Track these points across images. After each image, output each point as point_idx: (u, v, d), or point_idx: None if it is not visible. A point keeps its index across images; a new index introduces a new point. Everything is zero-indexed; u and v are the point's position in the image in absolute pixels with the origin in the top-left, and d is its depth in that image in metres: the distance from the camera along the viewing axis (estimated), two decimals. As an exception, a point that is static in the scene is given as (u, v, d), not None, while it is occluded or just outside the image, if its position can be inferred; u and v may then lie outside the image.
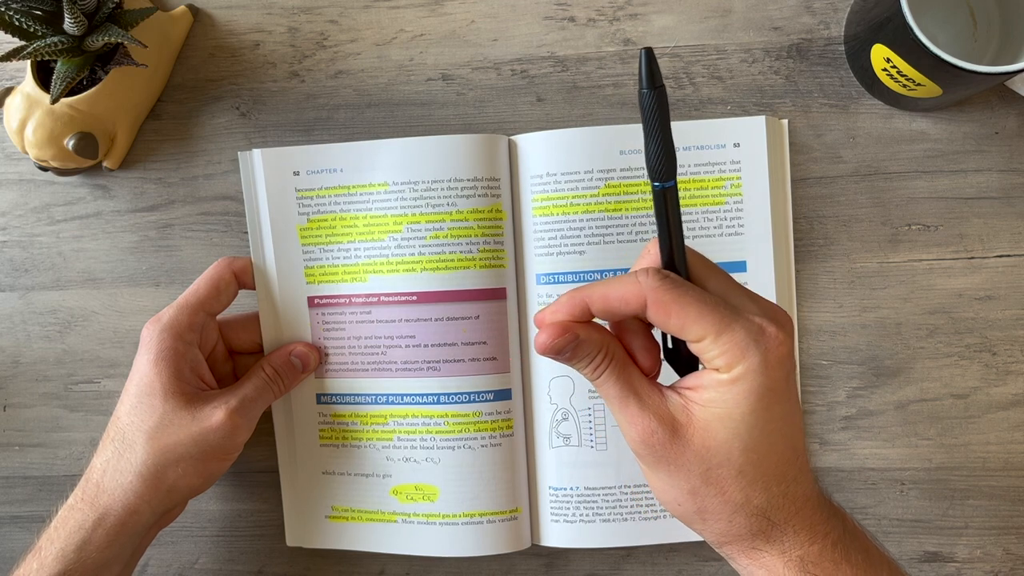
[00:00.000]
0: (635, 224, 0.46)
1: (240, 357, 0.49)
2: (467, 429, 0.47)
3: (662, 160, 0.32)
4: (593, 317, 0.34)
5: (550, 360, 0.46)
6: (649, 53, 0.31)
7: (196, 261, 0.51)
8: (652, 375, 0.35)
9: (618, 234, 0.46)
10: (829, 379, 0.48)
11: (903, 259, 0.47)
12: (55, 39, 0.42)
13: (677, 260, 0.34)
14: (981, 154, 0.47)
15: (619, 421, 0.34)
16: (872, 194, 0.47)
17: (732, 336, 0.31)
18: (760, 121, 0.46)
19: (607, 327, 0.35)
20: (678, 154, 0.44)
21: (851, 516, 0.35)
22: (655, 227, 0.46)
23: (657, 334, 0.36)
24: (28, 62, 0.47)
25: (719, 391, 0.32)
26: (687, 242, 0.47)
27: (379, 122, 0.49)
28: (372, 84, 0.49)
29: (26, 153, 0.48)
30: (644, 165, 0.33)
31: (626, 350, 0.35)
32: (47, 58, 0.44)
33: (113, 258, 0.51)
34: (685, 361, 0.35)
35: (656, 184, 0.33)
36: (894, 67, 0.42)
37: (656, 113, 0.31)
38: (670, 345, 0.35)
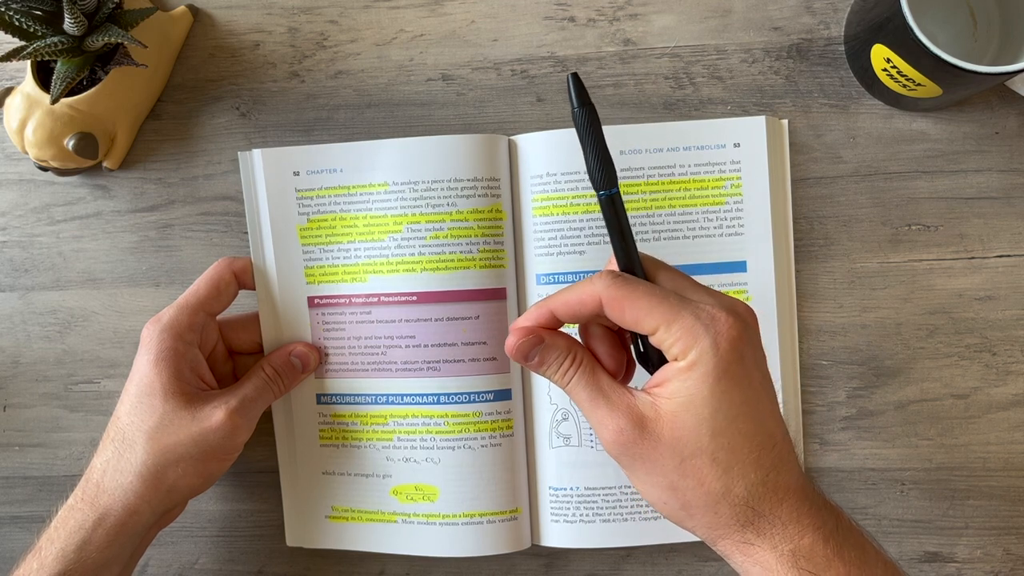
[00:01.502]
0: (635, 224, 0.46)
1: (240, 357, 0.49)
2: (467, 429, 0.47)
3: (601, 170, 0.34)
4: (561, 324, 0.36)
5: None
6: (575, 77, 0.34)
7: (196, 261, 0.51)
8: (619, 378, 0.37)
9: (618, 234, 0.46)
10: (829, 379, 0.48)
11: (903, 259, 0.47)
12: (55, 39, 0.42)
13: (632, 262, 0.35)
14: (981, 154, 0.47)
15: (592, 425, 0.35)
16: (872, 194, 0.47)
17: (682, 323, 0.32)
18: (760, 121, 0.46)
19: (576, 337, 0.37)
20: (678, 154, 0.45)
21: (847, 514, 0.35)
22: (654, 227, 0.46)
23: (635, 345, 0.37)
24: (28, 62, 0.47)
25: (680, 380, 0.33)
26: (688, 242, 0.47)
27: (379, 122, 0.49)
28: (372, 84, 0.49)
29: (26, 153, 0.48)
30: (604, 172, 0.35)
31: (594, 356, 0.36)
32: (47, 58, 0.44)
33: (113, 258, 0.51)
34: (655, 361, 0.36)
35: (601, 193, 0.35)
36: (894, 67, 0.42)
37: (588, 128, 0.34)
38: (641, 349, 0.36)
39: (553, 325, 0.36)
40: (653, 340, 0.34)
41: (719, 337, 0.32)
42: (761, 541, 0.33)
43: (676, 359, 0.33)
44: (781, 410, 0.35)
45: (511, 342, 0.36)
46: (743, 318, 0.34)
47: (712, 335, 0.32)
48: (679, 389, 0.33)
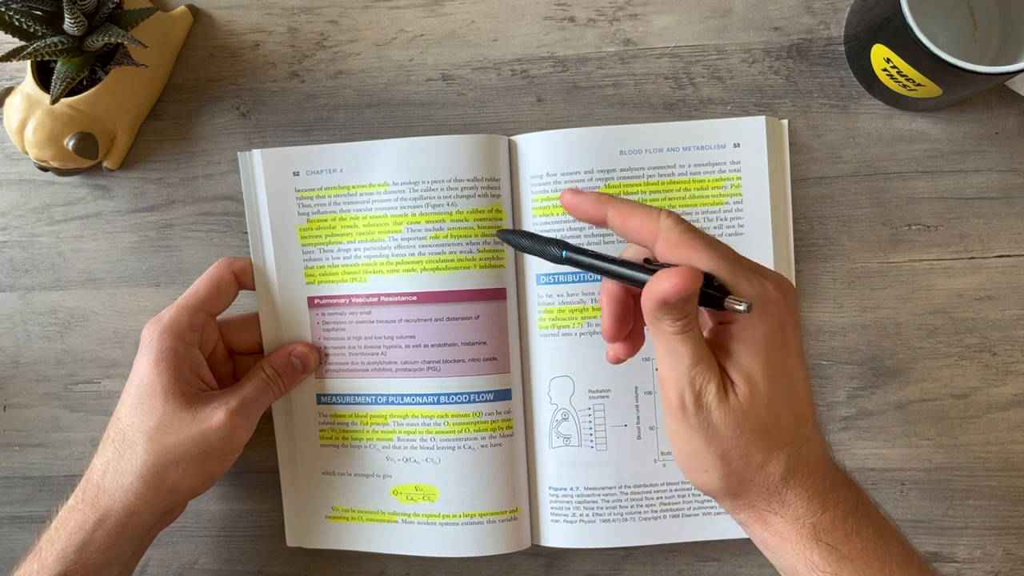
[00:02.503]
0: (635, 224, 0.46)
1: (240, 358, 0.49)
2: (467, 429, 0.47)
3: (546, 251, 0.37)
4: (603, 222, 0.35)
5: (550, 360, 0.47)
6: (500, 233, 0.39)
7: (196, 261, 0.50)
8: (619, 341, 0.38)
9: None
10: (829, 379, 0.48)
11: (903, 259, 0.47)
12: (55, 39, 0.42)
13: (637, 280, 0.34)
14: (981, 154, 0.47)
15: (676, 378, 0.33)
16: (872, 194, 0.47)
17: (738, 283, 0.32)
18: (760, 121, 0.46)
19: None
20: (678, 154, 0.46)
21: (866, 491, 0.35)
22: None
23: None
24: (28, 62, 0.47)
25: (740, 346, 0.33)
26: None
27: (379, 122, 0.49)
28: (372, 84, 0.49)
29: (26, 153, 0.48)
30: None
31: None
32: (47, 58, 0.44)
33: (113, 258, 0.51)
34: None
35: (564, 255, 0.36)
36: (894, 67, 0.42)
37: (519, 242, 0.38)
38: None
39: (598, 220, 0.35)
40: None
41: (769, 307, 0.33)
42: (784, 512, 0.34)
43: (727, 318, 0.33)
44: None
45: (681, 282, 0.31)
46: (788, 292, 0.34)
47: (761, 302, 0.32)
48: (742, 357, 0.33)
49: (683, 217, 0.34)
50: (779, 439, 0.33)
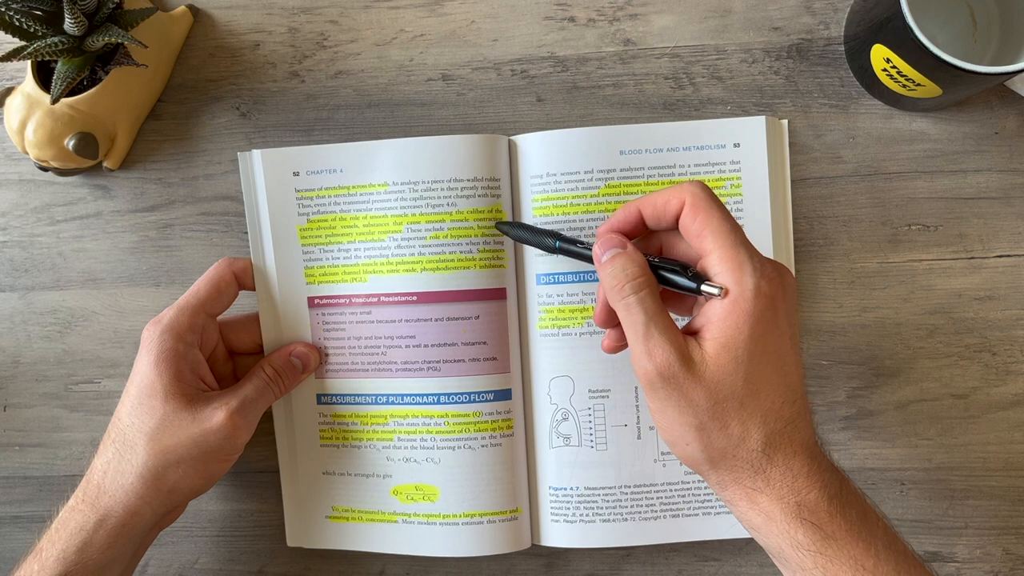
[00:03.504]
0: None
1: (240, 358, 0.49)
2: (467, 429, 0.47)
3: (540, 241, 0.43)
4: (645, 229, 0.38)
5: (550, 360, 0.47)
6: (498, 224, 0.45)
7: (196, 261, 0.51)
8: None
9: (618, 234, 0.46)
10: (829, 379, 0.48)
11: (903, 259, 0.47)
12: (55, 39, 0.42)
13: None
14: (981, 154, 0.47)
15: (637, 352, 0.35)
16: (872, 194, 0.47)
17: (739, 255, 0.34)
18: (760, 121, 0.46)
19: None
20: (678, 154, 0.47)
21: (850, 479, 0.36)
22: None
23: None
24: (28, 62, 0.47)
25: (722, 319, 0.34)
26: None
27: (379, 122, 0.49)
28: (372, 84, 0.49)
29: (26, 153, 0.48)
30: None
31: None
32: (47, 58, 0.44)
33: (113, 258, 0.51)
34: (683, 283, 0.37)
35: (557, 246, 0.42)
36: (894, 67, 0.42)
37: (515, 232, 0.44)
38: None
39: (638, 224, 0.38)
40: (704, 262, 0.35)
41: (763, 281, 0.34)
42: (769, 490, 0.34)
43: (715, 293, 0.34)
44: None
45: (600, 235, 0.38)
46: (786, 277, 0.35)
47: (757, 278, 0.34)
48: (720, 329, 0.34)
49: (705, 185, 0.36)
50: (760, 414, 0.34)
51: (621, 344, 0.40)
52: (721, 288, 0.34)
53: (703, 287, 0.35)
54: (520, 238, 0.43)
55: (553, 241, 0.42)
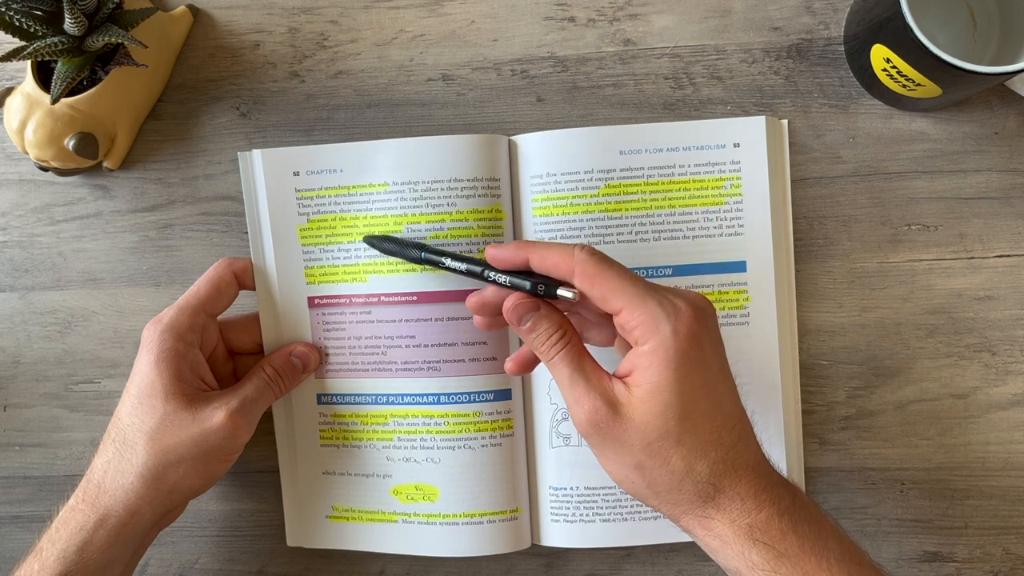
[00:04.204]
0: (635, 224, 0.46)
1: (240, 358, 0.49)
2: (467, 429, 0.47)
3: (405, 255, 0.44)
4: (528, 268, 0.39)
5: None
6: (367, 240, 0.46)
7: (196, 261, 0.51)
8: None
9: (618, 234, 0.46)
10: (829, 379, 0.48)
11: (903, 259, 0.47)
12: (55, 39, 0.42)
13: (518, 285, 0.39)
14: (981, 154, 0.47)
15: (568, 401, 0.37)
16: (872, 194, 0.47)
17: (646, 308, 0.35)
18: (760, 121, 0.46)
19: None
20: (678, 154, 0.48)
21: (802, 491, 0.37)
22: (654, 227, 0.46)
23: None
24: (28, 62, 0.47)
25: (645, 367, 0.35)
26: (688, 242, 0.47)
27: (379, 122, 0.49)
28: (372, 84, 0.49)
29: (26, 153, 0.48)
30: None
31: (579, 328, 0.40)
32: (47, 58, 0.44)
33: (113, 258, 0.51)
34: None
35: (422, 257, 0.43)
36: (894, 67, 0.42)
37: (383, 247, 0.45)
38: (539, 292, 0.38)
39: (523, 266, 0.39)
40: (617, 320, 0.36)
41: (679, 324, 0.35)
42: (720, 515, 0.35)
43: (637, 343, 0.35)
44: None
45: (509, 303, 0.38)
46: (702, 309, 0.36)
47: (672, 323, 0.34)
48: (645, 375, 0.35)
49: (594, 249, 0.37)
50: (700, 446, 0.35)
51: (526, 366, 0.43)
52: (574, 291, 0.36)
53: (559, 291, 0.37)
54: (386, 250, 0.45)
55: (418, 252, 0.43)
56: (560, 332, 0.37)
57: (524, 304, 0.38)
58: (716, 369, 0.36)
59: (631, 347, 0.36)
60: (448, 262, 0.41)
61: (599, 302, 0.36)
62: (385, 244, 0.45)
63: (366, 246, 0.46)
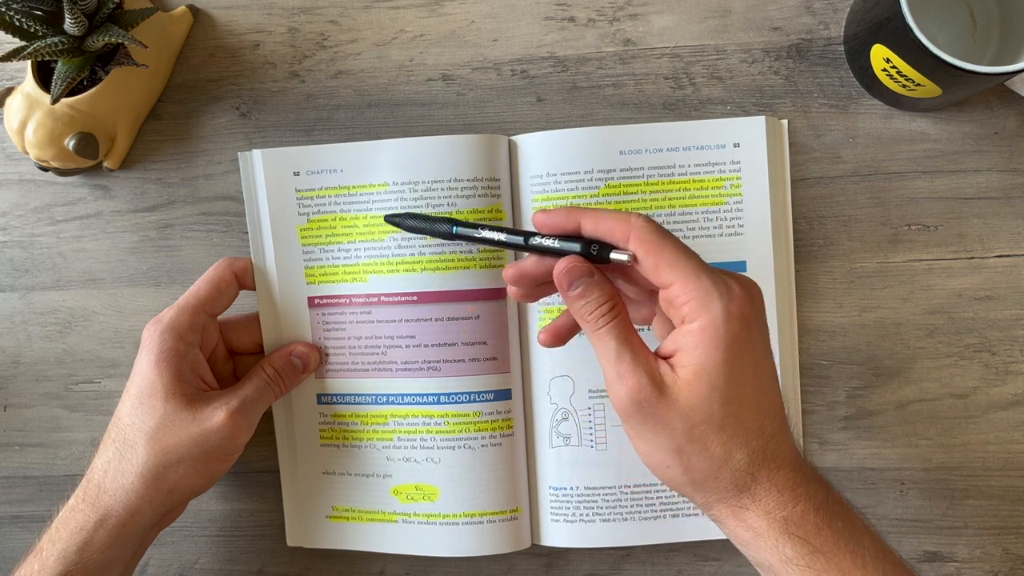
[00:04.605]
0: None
1: (240, 358, 0.49)
2: (467, 429, 0.47)
3: (435, 232, 0.40)
4: (578, 234, 0.36)
5: (550, 360, 0.47)
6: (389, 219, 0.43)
7: (196, 261, 0.51)
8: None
9: (618, 234, 0.46)
10: (829, 379, 0.48)
11: (903, 259, 0.47)
12: (55, 39, 0.42)
13: (551, 250, 0.37)
14: (981, 154, 0.47)
15: (610, 377, 0.35)
16: (872, 194, 0.47)
17: (700, 284, 0.33)
18: (760, 121, 0.46)
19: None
20: (678, 154, 0.48)
21: (834, 487, 0.36)
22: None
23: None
24: (28, 62, 0.47)
25: (693, 346, 0.33)
26: (688, 241, 0.47)
27: (379, 122, 0.49)
28: (372, 84, 0.49)
29: (26, 153, 0.48)
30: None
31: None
32: (47, 58, 0.44)
33: (113, 258, 0.51)
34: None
35: (454, 231, 0.40)
36: (894, 67, 0.42)
37: (404, 224, 0.42)
38: (594, 252, 0.36)
39: (574, 231, 0.36)
40: (666, 294, 0.34)
41: (732, 304, 0.33)
42: (755, 507, 0.34)
43: (684, 320, 0.34)
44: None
45: (562, 265, 0.36)
46: (753, 291, 0.35)
47: (725, 302, 0.33)
48: (692, 356, 0.33)
49: (651, 219, 0.35)
50: (741, 434, 0.34)
51: (561, 338, 0.40)
52: (629, 253, 0.34)
53: (612, 255, 0.35)
54: (411, 228, 0.42)
55: (449, 227, 0.40)
56: (611, 303, 0.35)
57: (578, 268, 0.35)
58: (763, 354, 0.35)
59: (672, 328, 0.35)
60: (485, 233, 0.39)
61: (651, 272, 0.34)
62: (408, 221, 0.42)
63: (366, 246, 0.46)
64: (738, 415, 0.34)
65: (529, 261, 0.38)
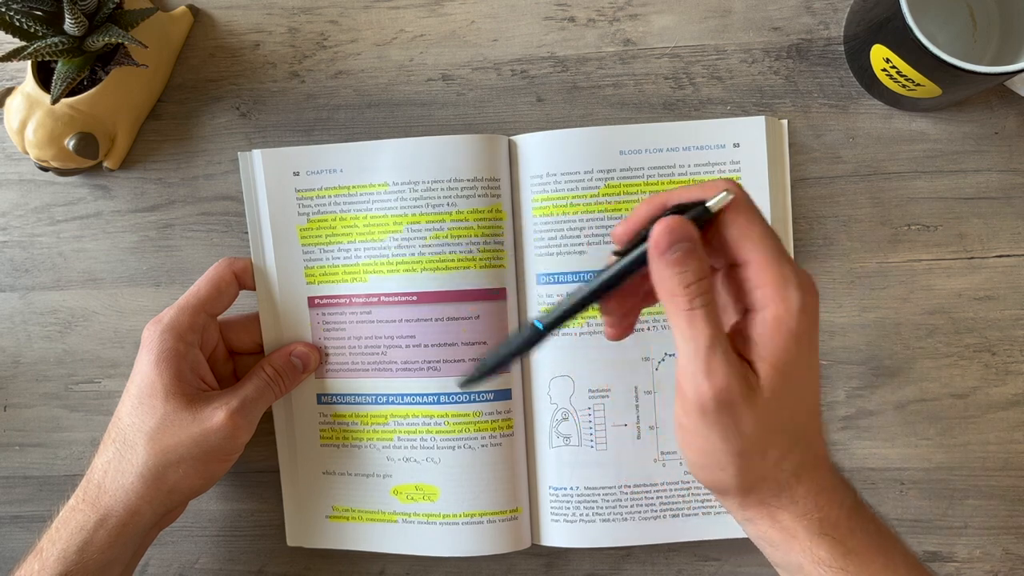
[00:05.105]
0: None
1: (240, 358, 0.49)
2: (467, 429, 0.47)
3: (527, 341, 0.35)
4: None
5: (550, 360, 0.47)
6: (467, 384, 0.37)
7: (196, 261, 0.51)
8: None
9: (618, 234, 0.46)
10: (829, 379, 0.48)
11: (903, 259, 0.47)
12: (55, 39, 0.42)
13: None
14: (981, 154, 0.47)
15: (694, 368, 0.31)
16: (872, 194, 0.47)
17: (781, 269, 0.31)
18: (760, 121, 0.46)
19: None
20: (678, 154, 0.47)
21: (859, 491, 0.35)
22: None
23: None
24: (28, 62, 0.47)
25: (768, 339, 0.31)
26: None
27: (379, 122, 0.49)
28: (372, 84, 0.49)
29: (27, 153, 0.48)
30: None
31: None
32: (48, 58, 0.44)
33: (113, 258, 0.51)
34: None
35: (542, 327, 0.34)
36: (894, 67, 0.42)
37: (499, 364, 0.36)
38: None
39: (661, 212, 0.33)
40: (742, 271, 0.32)
41: (808, 298, 0.31)
42: (793, 508, 0.33)
43: (755, 306, 0.31)
44: None
45: (662, 225, 0.30)
46: (815, 286, 0.32)
47: (802, 294, 0.31)
48: (768, 350, 0.31)
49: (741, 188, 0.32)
50: (795, 435, 0.32)
51: (625, 331, 0.36)
52: (724, 195, 0.30)
53: (709, 203, 0.31)
54: (506, 359, 0.36)
55: (536, 325, 0.34)
56: (708, 280, 0.31)
57: (681, 229, 0.30)
58: (816, 356, 0.33)
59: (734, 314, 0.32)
60: (569, 303, 0.34)
61: (733, 243, 0.31)
62: (501, 358, 0.36)
63: (366, 246, 0.47)
64: (794, 416, 0.32)
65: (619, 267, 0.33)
